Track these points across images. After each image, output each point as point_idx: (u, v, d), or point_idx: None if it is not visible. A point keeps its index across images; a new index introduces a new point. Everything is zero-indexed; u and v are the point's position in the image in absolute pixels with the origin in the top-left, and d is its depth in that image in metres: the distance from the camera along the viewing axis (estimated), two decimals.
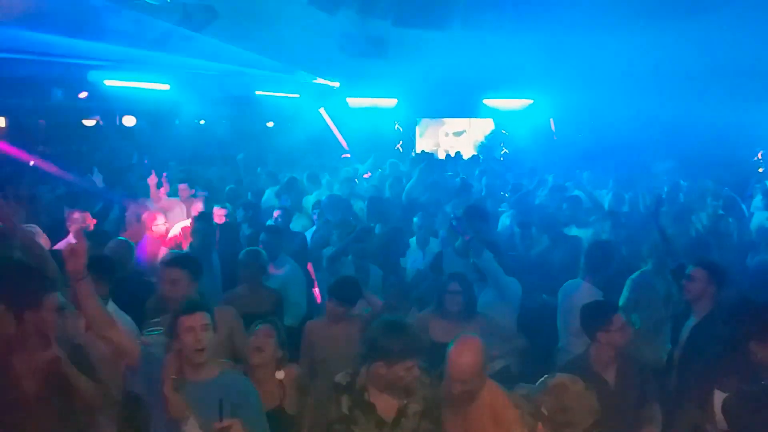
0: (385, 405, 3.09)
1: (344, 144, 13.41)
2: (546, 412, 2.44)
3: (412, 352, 3.01)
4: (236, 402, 2.85)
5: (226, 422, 2.63)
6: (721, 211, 7.12)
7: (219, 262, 5.69)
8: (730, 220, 6.63)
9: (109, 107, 13.76)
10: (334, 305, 4.17)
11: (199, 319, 2.98)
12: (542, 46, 10.47)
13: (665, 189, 8.74)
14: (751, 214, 7.90)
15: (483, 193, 8.44)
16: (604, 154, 12.12)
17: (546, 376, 2.62)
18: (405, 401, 3.07)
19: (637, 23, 9.72)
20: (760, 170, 12.39)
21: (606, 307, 3.64)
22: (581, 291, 4.66)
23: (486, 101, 13.93)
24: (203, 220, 5.83)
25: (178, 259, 4.16)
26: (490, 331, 4.25)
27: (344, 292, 4.18)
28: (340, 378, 3.20)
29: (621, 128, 12.65)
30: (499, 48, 10.65)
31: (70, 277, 2.85)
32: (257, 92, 12.88)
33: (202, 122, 15.04)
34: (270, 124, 15.75)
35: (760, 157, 12.88)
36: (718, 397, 3.03)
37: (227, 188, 8.93)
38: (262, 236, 5.59)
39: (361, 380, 3.12)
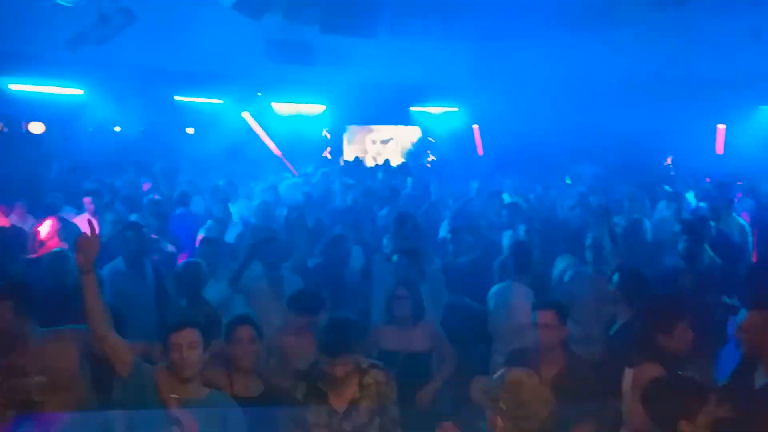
0: (339, 397, 3.16)
1: (277, 152, 13.11)
2: (504, 407, 2.50)
3: (345, 348, 3.06)
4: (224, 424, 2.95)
5: None
6: (636, 215, 7.47)
7: (153, 274, 5.44)
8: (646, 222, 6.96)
9: (13, 113, 12.83)
10: (294, 317, 4.05)
11: (187, 336, 2.99)
12: (467, 54, 10.69)
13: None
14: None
15: (432, 199, 8.47)
16: (527, 161, 12.52)
17: (502, 370, 2.67)
18: (358, 395, 3.15)
19: (557, 34, 10.10)
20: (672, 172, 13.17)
21: None
22: (515, 292, 4.76)
23: (413, 108, 14.03)
24: (133, 229, 5.53)
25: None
26: (437, 335, 4.33)
27: (303, 303, 4.08)
28: (302, 365, 3.32)
29: (543, 135, 13.08)
30: (426, 56, 10.77)
31: (78, 269, 2.95)
32: (176, 98, 12.42)
33: (117, 129, 14.32)
34: (190, 131, 15.22)
35: (669, 162, 13.63)
36: (628, 372, 3.30)
37: (146, 199, 8.54)
38: (200, 248, 5.36)
39: (317, 369, 3.18)
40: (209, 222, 6.73)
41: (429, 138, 15.78)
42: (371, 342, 4.21)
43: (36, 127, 13.41)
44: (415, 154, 15.67)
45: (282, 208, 7.75)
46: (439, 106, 14.22)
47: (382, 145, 16.11)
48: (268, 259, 5.00)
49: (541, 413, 2.49)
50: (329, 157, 15.28)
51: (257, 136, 13.14)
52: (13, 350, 3.13)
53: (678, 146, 13.53)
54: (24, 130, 13.71)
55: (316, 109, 13.66)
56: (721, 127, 13.03)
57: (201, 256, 5.21)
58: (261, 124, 12.98)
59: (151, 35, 9.37)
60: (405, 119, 14.61)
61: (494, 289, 4.95)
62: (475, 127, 14.48)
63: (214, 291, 4.97)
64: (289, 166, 12.03)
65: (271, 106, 13.15)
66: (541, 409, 2.49)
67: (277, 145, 13.12)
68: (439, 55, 10.48)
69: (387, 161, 14.02)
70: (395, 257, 4.94)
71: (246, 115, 12.63)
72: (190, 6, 8.65)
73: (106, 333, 3.03)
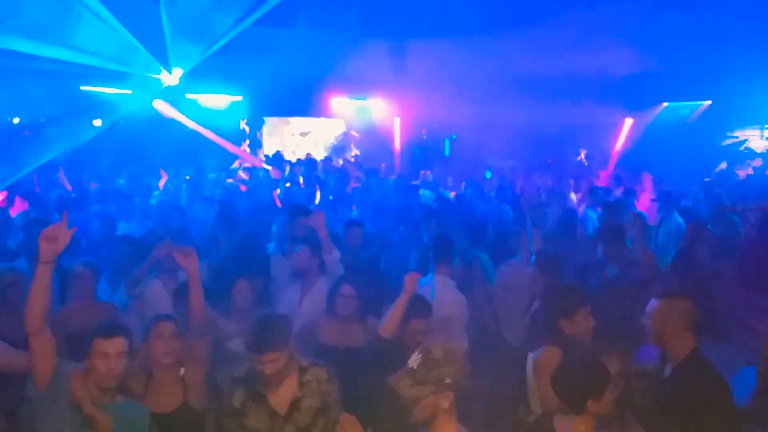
0: (279, 398, 3.10)
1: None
2: (418, 375, 2.47)
3: (270, 344, 2.99)
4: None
5: None
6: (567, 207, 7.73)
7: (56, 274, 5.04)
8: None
9: None
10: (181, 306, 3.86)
11: (116, 345, 2.93)
12: (385, 48, 10.66)
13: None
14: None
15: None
16: (448, 156, 12.69)
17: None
18: (299, 394, 3.10)
19: (473, 31, 10.25)
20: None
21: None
22: (439, 283, 4.76)
23: (333, 100, 13.84)
24: (36, 227, 5.11)
25: None
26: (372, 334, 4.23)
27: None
28: (237, 371, 3.25)
29: (462, 130, 13.29)
30: (344, 48, 10.66)
31: (41, 256, 2.88)
32: (82, 87, 11.71)
33: (16, 121, 13.36)
34: (97, 123, 14.39)
35: (582, 156, 14.20)
36: (530, 357, 3.49)
37: (54, 195, 8.03)
38: (122, 247, 5.14)
39: (254, 373, 3.12)
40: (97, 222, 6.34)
41: (353, 132, 15.67)
42: (308, 336, 4.11)
43: None
44: (339, 148, 15.53)
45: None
46: (360, 98, 14.11)
47: (301, 137, 15.85)
48: (167, 264, 4.65)
49: (453, 376, 2.46)
50: (248, 150, 14.89)
51: (171, 125, 12.57)
52: None
53: (589, 141, 14.15)
54: None
55: (233, 100, 13.22)
56: (629, 121, 13.68)
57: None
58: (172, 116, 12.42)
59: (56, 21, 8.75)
60: (324, 111, 14.38)
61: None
62: (396, 119, 14.49)
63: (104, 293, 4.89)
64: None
65: (185, 97, 12.61)
66: (452, 373, 2.46)
67: (191, 138, 12.61)
68: (356, 48, 10.36)
69: (308, 155, 13.82)
70: (296, 248, 4.78)
71: (159, 103, 12.04)
72: None
73: (42, 329, 2.93)
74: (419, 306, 3.86)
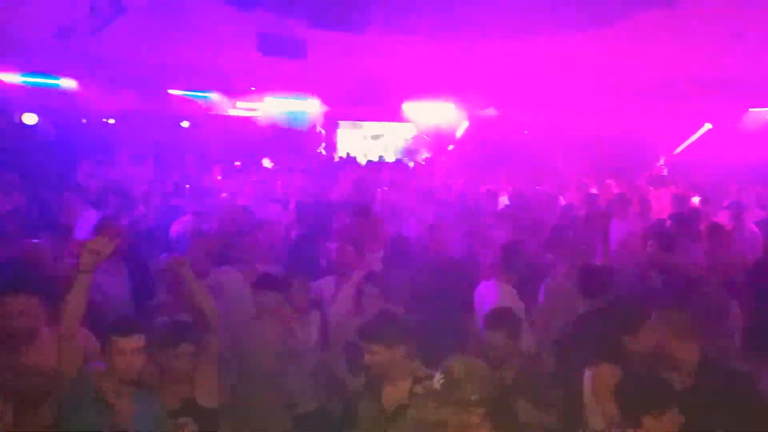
0: (390, 397, 3.12)
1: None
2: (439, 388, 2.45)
3: (373, 337, 3.08)
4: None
5: None
6: None
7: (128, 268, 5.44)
8: None
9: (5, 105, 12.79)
10: (261, 296, 4.10)
11: (133, 342, 3.00)
12: (457, 52, 10.70)
13: None
14: None
15: None
16: (517, 159, 12.58)
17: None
18: (406, 402, 3.05)
19: (548, 33, 10.12)
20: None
21: None
22: (502, 290, 4.80)
23: (405, 105, 14.03)
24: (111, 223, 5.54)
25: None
26: None
27: (270, 281, 4.15)
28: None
29: (534, 134, 13.14)
30: (416, 52, 10.79)
31: (81, 266, 3.08)
32: (170, 91, 12.48)
33: (111, 121, 14.36)
34: (185, 125, 15.30)
35: (662, 163, 13.72)
36: (588, 375, 3.38)
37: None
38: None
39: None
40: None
41: (424, 135, 15.81)
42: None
43: (29, 119, 13.45)
44: (411, 150, 15.71)
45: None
46: (432, 102, 14.20)
47: (372, 140, 16.16)
48: (241, 255, 5.05)
49: (478, 392, 2.43)
50: (324, 152, 15.35)
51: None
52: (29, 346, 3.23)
53: (668, 147, 13.64)
54: (17, 122, 13.77)
55: (308, 104, 13.64)
56: (708, 127, 13.11)
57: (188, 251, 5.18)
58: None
59: (142, 27, 9.41)
60: (396, 115, 14.59)
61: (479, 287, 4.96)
62: (469, 123, 14.52)
63: None
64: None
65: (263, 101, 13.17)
66: (477, 389, 2.44)
67: (267, 141, 13.16)
68: (432, 51, 10.48)
69: (380, 158, 14.10)
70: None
71: (238, 106, 12.67)
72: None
73: (75, 333, 3.16)
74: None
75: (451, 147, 14.97)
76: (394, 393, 3.10)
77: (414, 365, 3.15)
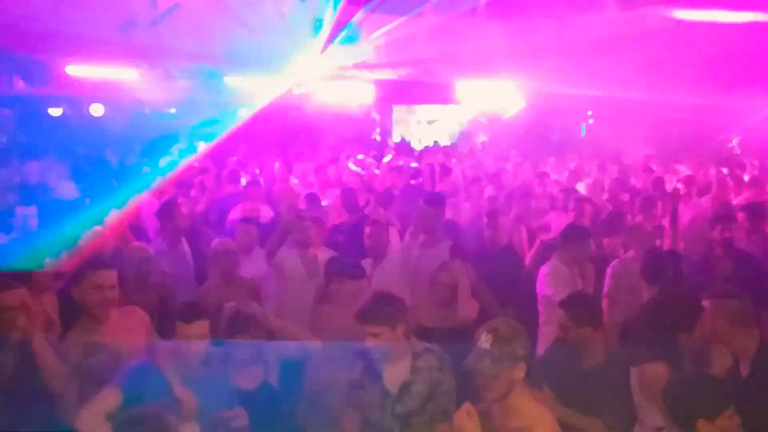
0: (392, 378, 3.17)
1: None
2: None
3: (372, 318, 3.12)
4: None
5: None
6: None
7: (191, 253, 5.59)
8: None
9: (74, 96, 13.34)
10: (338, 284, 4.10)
11: (199, 328, 3.10)
12: (514, 30, 10.43)
13: None
14: None
15: None
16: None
17: None
18: (410, 378, 3.16)
19: (605, 12, 9.75)
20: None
21: None
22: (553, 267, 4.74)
23: (460, 87, 13.80)
24: (170, 208, 5.67)
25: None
26: None
27: (355, 270, 4.17)
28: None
29: (600, 114, 12.68)
30: (471, 31, 10.59)
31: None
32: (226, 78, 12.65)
33: (173, 110, 14.76)
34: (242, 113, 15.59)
35: (735, 144, 13.05)
36: (634, 373, 3.32)
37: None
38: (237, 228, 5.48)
39: None
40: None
41: (480, 119, 15.55)
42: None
43: (97, 110, 13.98)
44: (466, 134, 15.48)
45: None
46: (488, 83, 13.90)
47: (428, 125, 15.99)
48: (300, 238, 5.09)
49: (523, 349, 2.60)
50: (378, 138, 15.32)
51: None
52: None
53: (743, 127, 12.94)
54: (85, 113, 14.33)
55: (361, 89, 13.57)
56: None
57: (237, 236, 5.29)
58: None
59: (199, 16, 9.58)
60: (451, 98, 14.38)
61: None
62: (526, 105, 14.16)
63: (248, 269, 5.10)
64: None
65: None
66: (522, 345, 2.61)
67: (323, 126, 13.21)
68: (484, 32, 10.26)
69: (435, 143, 13.96)
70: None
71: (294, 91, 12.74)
72: None
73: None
74: None
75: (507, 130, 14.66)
76: (395, 373, 3.16)
77: (412, 341, 3.24)
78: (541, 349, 4.24)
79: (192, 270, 5.52)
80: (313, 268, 4.97)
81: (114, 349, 3.37)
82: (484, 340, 2.58)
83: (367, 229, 5.18)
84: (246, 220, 5.76)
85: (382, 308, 3.13)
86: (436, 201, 5.95)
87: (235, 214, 6.66)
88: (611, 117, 12.98)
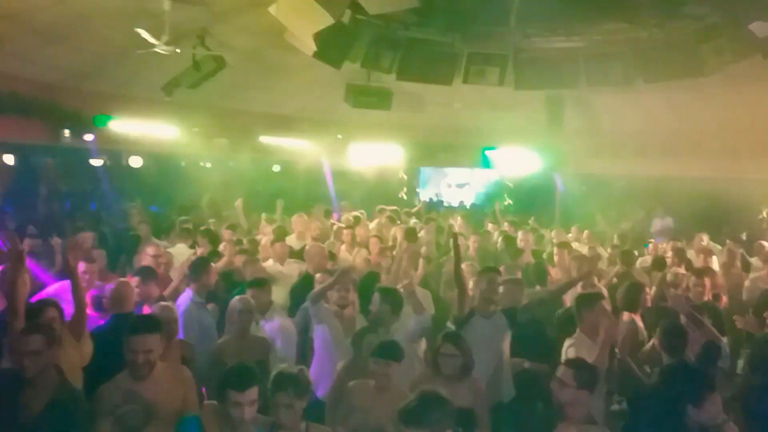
0: None
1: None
2: None
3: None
4: None
5: None
6: None
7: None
8: None
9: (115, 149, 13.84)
10: (380, 365, 3.91)
11: (250, 395, 3.17)
12: (541, 100, 10.62)
13: None
14: None
15: None
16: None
17: None
18: None
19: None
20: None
21: None
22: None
23: (488, 152, 13.96)
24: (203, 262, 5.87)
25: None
26: (481, 392, 4.29)
27: (390, 350, 3.99)
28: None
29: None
30: (500, 101, 10.82)
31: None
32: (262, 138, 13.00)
33: (208, 165, 15.23)
34: (276, 168, 16.05)
35: (766, 215, 12.92)
36: None
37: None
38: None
39: None
40: None
41: (506, 182, 15.66)
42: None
43: (135, 161, 14.53)
44: (490, 195, 15.60)
45: None
46: (516, 149, 14.04)
47: (458, 188, 16.13)
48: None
49: None
50: (405, 197, 15.52)
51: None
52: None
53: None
54: (125, 164, 14.89)
55: (392, 150, 13.79)
56: None
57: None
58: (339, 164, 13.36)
59: (238, 80, 10.01)
60: (480, 162, 14.54)
61: None
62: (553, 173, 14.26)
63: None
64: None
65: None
66: None
67: (354, 184, 13.46)
68: (515, 99, 10.49)
69: (461, 203, 14.08)
70: None
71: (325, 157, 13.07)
72: (276, 53, 9.17)
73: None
74: None
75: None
76: None
77: None
78: None
79: (215, 322, 5.62)
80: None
81: (151, 401, 3.48)
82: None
83: None
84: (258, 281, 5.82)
85: (425, 411, 2.80)
86: None
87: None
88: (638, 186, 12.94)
